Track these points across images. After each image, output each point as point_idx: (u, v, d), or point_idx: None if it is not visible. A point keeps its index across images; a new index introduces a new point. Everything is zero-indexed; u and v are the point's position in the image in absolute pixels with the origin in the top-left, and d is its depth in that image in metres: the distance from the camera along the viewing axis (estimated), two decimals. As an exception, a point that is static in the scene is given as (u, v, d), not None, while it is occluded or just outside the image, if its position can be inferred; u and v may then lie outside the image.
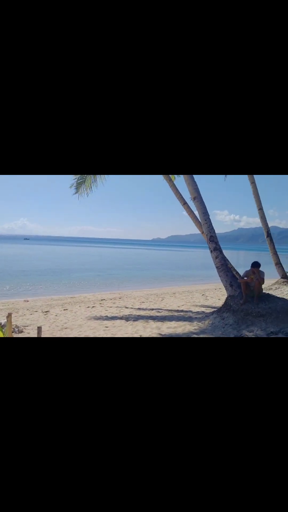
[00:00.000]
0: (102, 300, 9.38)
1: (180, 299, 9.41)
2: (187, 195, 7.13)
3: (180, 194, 8.55)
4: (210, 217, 6.68)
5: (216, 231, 6.67)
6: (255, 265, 5.56)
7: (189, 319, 6.23)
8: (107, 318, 6.64)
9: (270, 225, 11.75)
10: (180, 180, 8.27)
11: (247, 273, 5.54)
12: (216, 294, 10.26)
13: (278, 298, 5.72)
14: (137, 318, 6.51)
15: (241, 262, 24.15)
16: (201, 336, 4.68)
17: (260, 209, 11.04)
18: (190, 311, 7.24)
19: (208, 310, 6.96)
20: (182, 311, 7.37)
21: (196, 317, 6.35)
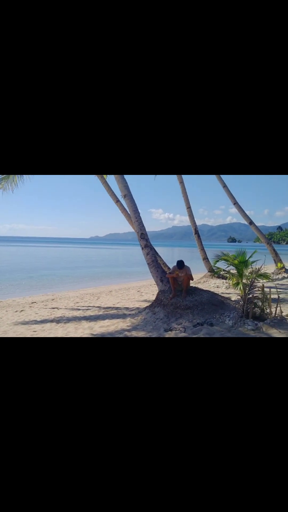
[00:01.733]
0: (32, 303, 8.80)
1: (116, 297, 9.41)
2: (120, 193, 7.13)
3: (113, 192, 8.52)
4: (146, 215, 6.84)
5: (151, 229, 6.90)
6: (179, 266, 5.61)
7: (123, 316, 6.26)
8: (36, 322, 6.24)
9: (200, 223, 12.67)
10: (111, 178, 8.22)
11: (174, 269, 5.80)
12: (151, 290, 10.55)
13: (204, 290, 6.14)
14: (69, 319, 6.27)
15: (175, 258, 25.26)
16: (132, 332, 4.74)
17: (189, 207, 11.74)
18: (125, 308, 7.28)
19: (143, 306, 7.10)
20: (117, 308, 7.36)
21: (129, 314, 6.41)
